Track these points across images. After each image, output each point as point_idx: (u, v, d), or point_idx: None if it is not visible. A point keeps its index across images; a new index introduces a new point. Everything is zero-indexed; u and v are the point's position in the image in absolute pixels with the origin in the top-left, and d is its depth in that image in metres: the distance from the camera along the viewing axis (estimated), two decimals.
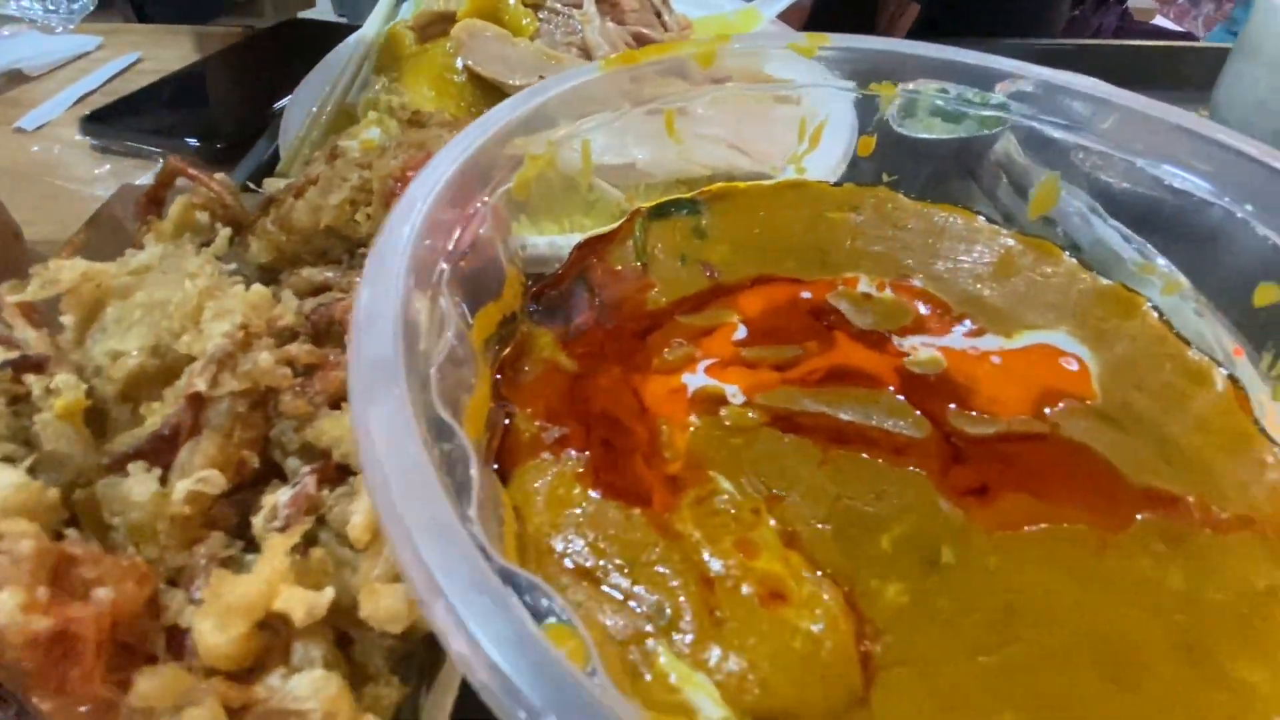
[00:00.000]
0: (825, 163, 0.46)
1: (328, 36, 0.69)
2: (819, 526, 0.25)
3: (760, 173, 0.48)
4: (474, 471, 0.19)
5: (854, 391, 0.30)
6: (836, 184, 0.43)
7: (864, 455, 0.27)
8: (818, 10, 0.92)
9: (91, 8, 0.94)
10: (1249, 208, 0.30)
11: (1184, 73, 0.78)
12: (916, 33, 0.96)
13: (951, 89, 0.44)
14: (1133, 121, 0.35)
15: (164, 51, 0.84)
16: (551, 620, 0.15)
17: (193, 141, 0.65)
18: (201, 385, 0.25)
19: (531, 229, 0.43)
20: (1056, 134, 0.38)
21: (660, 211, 0.40)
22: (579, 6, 0.53)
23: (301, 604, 0.19)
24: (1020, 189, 0.46)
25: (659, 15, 0.59)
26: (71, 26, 0.90)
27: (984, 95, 0.43)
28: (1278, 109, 0.61)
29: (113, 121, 0.67)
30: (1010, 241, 0.38)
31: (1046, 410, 0.29)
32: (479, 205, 0.29)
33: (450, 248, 0.26)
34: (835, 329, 0.33)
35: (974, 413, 0.29)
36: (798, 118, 0.45)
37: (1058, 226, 0.42)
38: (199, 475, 0.23)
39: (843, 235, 0.39)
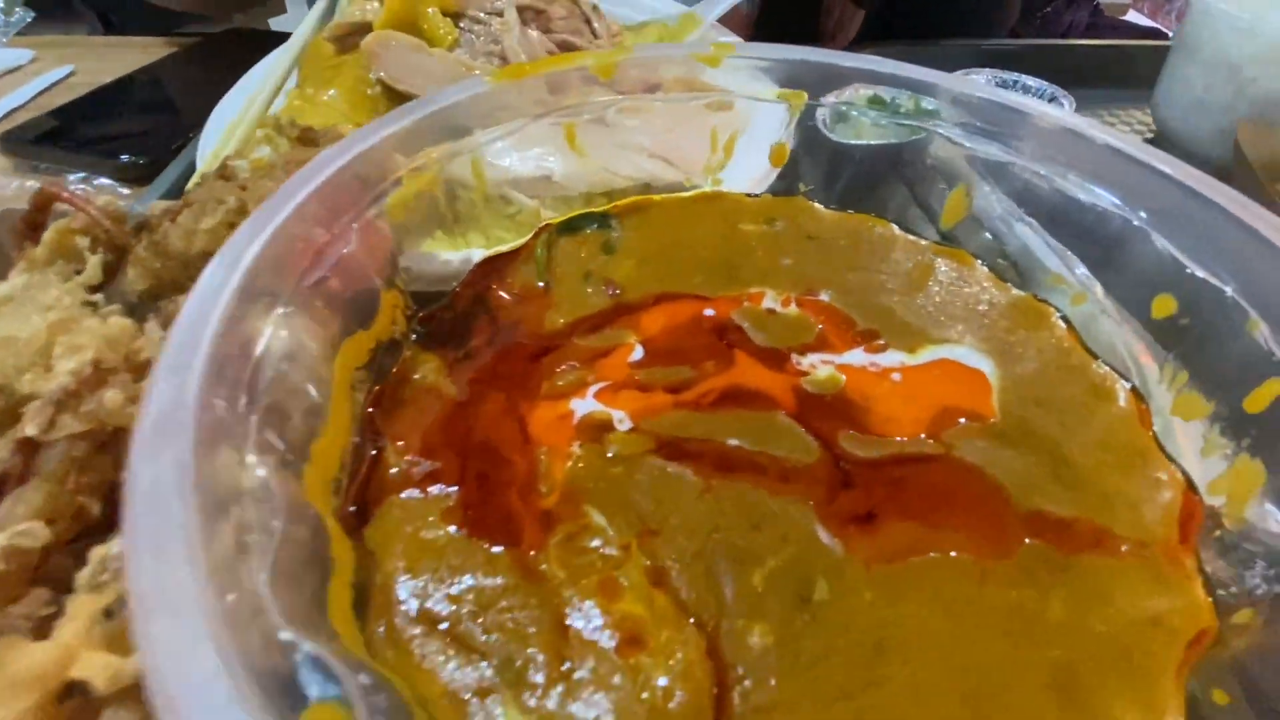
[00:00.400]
0: (752, 173, 0.45)
1: (267, 47, 0.67)
2: (691, 562, 0.24)
3: (685, 184, 0.47)
4: (277, 523, 0.17)
5: (746, 414, 0.29)
6: (755, 195, 0.42)
7: (748, 484, 0.26)
8: (763, 17, 0.91)
9: (29, 19, 0.92)
10: (1143, 215, 0.29)
11: (1129, 72, 0.77)
12: (863, 37, 0.95)
13: (886, 93, 0.44)
14: (1040, 131, 0.34)
15: (99, 64, 0.82)
16: (321, 699, 0.14)
17: (125, 158, 0.63)
18: (33, 430, 0.23)
19: (449, 245, 0.42)
20: (969, 143, 0.37)
21: (570, 227, 0.39)
22: (502, 15, 0.52)
23: (103, 671, 0.18)
24: None
25: (589, 23, 0.58)
26: (4, 40, 0.87)
27: (917, 101, 0.42)
28: (1215, 108, 0.60)
29: (35, 139, 0.65)
30: (924, 252, 0.38)
31: (943, 430, 0.28)
32: (347, 224, 0.28)
33: (303, 271, 0.25)
34: (736, 347, 0.32)
35: (868, 435, 0.28)
36: (729, 127, 0.44)
37: (986, 231, 0.41)
38: (18, 528, 0.21)
39: (754, 249, 0.38)
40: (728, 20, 0.92)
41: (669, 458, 0.27)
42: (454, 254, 0.40)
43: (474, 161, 0.35)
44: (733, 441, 0.28)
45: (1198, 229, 0.28)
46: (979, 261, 0.37)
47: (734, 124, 0.44)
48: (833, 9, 0.90)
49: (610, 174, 0.46)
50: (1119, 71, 0.80)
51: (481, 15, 0.53)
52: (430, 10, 0.52)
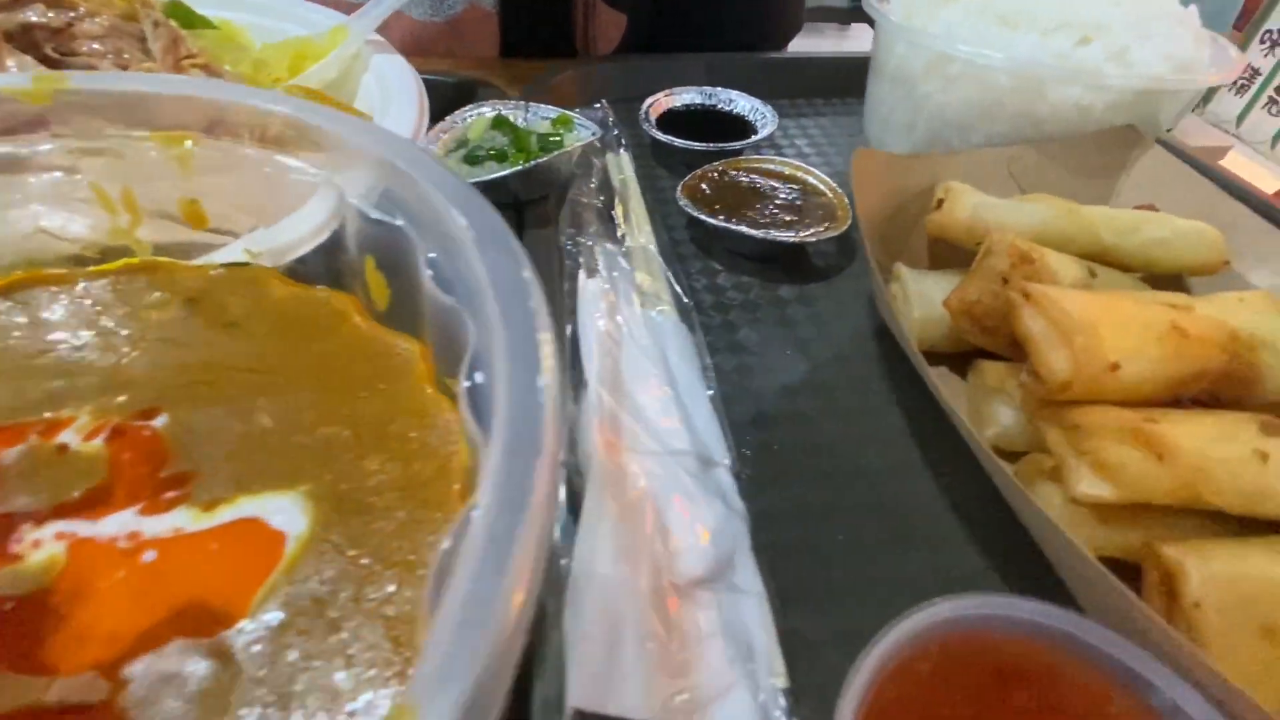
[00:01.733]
0: (292, 233, 0.35)
1: None
2: None
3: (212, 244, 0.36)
4: None
5: None
6: (202, 264, 0.32)
7: None
8: (506, 21, 0.82)
9: None
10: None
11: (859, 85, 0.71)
12: (626, 46, 0.87)
13: (510, 112, 0.35)
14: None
15: None
16: None
17: None
18: None
19: None
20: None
21: None
22: None
23: None
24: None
25: (142, 40, 0.47)
26: None
27: (569, 121, 0.33)
28: (899, 126, 0.54)
29: None
30: (359, 343, 0.28)
31: (143, 652, 0.19)
32: None
33: None
34: None
35: (7, 674, 0.18)
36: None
37: None
38: None
39: (131, 345, 0.28)
40: (471, 24, 0.83)
41: None
42: None
43: None
44: None
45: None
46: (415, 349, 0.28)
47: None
48: (582, 13, 0.82)
49: (50, 236, 0.36)
50: (850, 84, 0.74)
51: None
52: None
